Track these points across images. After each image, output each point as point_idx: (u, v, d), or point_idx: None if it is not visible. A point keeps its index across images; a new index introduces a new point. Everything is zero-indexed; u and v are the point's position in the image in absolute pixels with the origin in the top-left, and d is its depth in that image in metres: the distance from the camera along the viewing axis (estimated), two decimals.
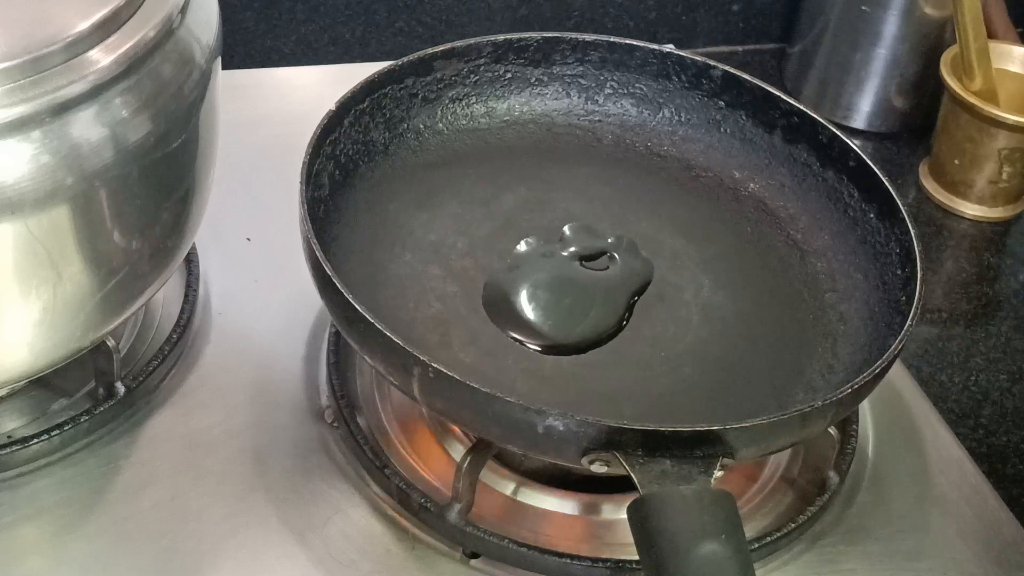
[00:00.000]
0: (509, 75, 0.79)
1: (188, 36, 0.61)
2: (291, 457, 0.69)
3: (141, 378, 0.70)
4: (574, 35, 0.79)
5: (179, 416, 0.70)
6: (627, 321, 0.70)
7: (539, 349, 0.67)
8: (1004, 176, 0.98)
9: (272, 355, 0.74)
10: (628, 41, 0.79)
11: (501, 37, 0.78)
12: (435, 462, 0.70)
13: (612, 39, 0.79)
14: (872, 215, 0.73)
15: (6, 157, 0.53)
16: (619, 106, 0.81)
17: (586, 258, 0.73)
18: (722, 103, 0.79)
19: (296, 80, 0.98)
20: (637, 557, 0.55)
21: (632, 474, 0.56)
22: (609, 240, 0.74)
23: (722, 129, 0.79)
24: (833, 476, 0.70)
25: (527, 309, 0.69)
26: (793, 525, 0.67)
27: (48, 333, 0.60)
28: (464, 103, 0.79)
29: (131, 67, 0.57)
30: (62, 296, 0.58)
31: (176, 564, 0.63)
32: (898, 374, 0.78)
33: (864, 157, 0.73)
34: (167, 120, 0.59)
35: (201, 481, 0.67)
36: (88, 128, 0.55)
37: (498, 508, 0.68)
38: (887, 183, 0.72)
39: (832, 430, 0.70)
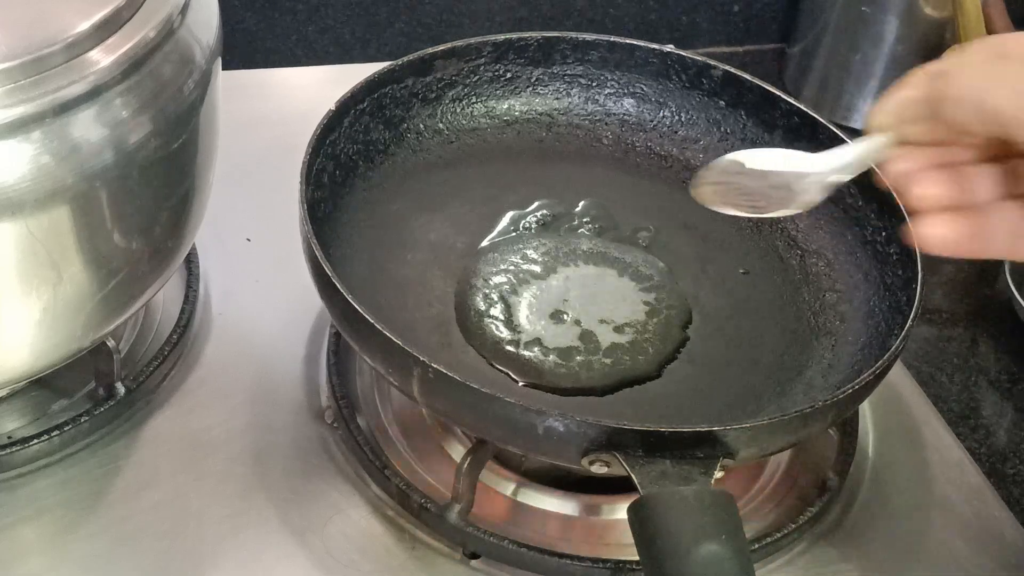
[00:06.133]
0: (509, 75, 0.79)
1: (188, 36, 0.61)
2: (291, 457, 0.69)
3: (141, 379, 0.70)
4: (574, 35, 0.79)
5: (179, 416, 0.70)
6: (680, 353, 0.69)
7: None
8: None
9: (272, 355, 0.74)
10: (628, 41, 0.79)
11: (501, 37, 0.78)
12: (435, 462, 0.70)
13: (612, 39, 0.79)
14: (872, 215, 0.73)
15: (6, 157, 0.53)
16: (619, 106, 0.81)
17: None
18: (722, 103, 0.79)
19: (296, 80, 0.98)
20: (637, 557, 0.55)
21: (632, 475, 0.56)
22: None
23: (722, 129, 0.79)
24: (833, 477, 0.70)
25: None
26: (793, 526, 0.67)
27: (48, 333, 0.60)
28: (464, 103, 0.79)
29: (131, 68, 0.57)
30: (62, 296, 0.58)
31: (176, 564, 0.63)
32: (898, 374, 0.78)
33: None
34: (167, 120, 0.59)
35: (201, 481, 0.67)
36: (88, 128, 0.55)
37: (498, 508, 0.68)
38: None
39: (832, 430, 0.70)
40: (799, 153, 0.50)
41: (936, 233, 0.48)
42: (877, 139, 0.49)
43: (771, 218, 0.50)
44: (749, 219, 0.77)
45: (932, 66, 0.47)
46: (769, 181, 0.50)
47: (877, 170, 0.72)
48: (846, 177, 0.49)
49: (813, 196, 0.49)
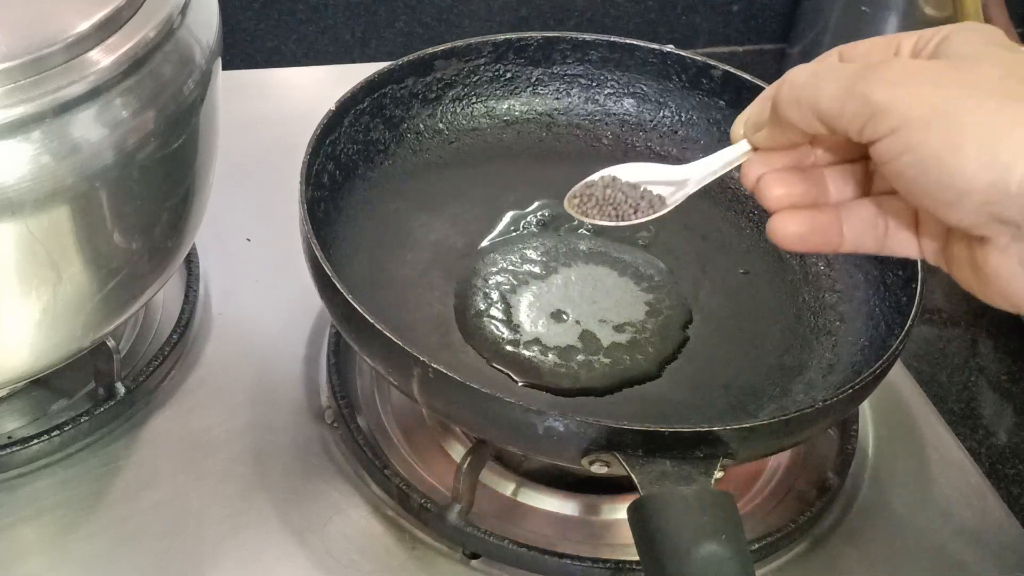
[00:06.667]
0: (509, 75, 0.79)
1: (188, 36, 0.61)
2: (291, 457, 0.69)
3: (141, 378, 0.70)
4: (574, 35, 0.79)
5: (179, 416, 0.70)
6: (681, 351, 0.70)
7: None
8: None
9: (272, 355, 0.74)
10: (628, 41, 0.79)
11: (501, 37, 0.78)
12: (435, 462, 0.70)
13: (612, 39, 0.79)
14: None
15: (6, 157, 0.53)
16: (619, 106, 0.81)
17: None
18: (722, 103, 0.79)
19: (296, 80, 0.98)
20: (637, 557, 0.55)
21: (632, 475, 0.56)
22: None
23: (722, 129, 0.79)
24: (833, 477, 0.70)
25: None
26: (793, 526, 0.67)
27: (48, 333, 0.60)
28: (464, 103, 0.79)
29: (131, 67, 0.57)
30: (62, 296, 0.58)
31: (176, 564, 0.63)
32: (898, 374, 0.78)
33: None
34: (167, 120, 0.59)
35: (201, 481, 0.67)
36: (88, 128, 0.55)
37: (498, 508, 0.68)
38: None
39: (832, 430, 0.70)
40: (666, 166, 0.54)
41: (787, 229, 0.50)
42: (737, 147, 0.52)
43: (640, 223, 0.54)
44: (749, 219, 0.77)
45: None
46: (640, 192, 0.53)
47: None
48: (708, 180, 0.53)
49: (678, 201, 0.53)
